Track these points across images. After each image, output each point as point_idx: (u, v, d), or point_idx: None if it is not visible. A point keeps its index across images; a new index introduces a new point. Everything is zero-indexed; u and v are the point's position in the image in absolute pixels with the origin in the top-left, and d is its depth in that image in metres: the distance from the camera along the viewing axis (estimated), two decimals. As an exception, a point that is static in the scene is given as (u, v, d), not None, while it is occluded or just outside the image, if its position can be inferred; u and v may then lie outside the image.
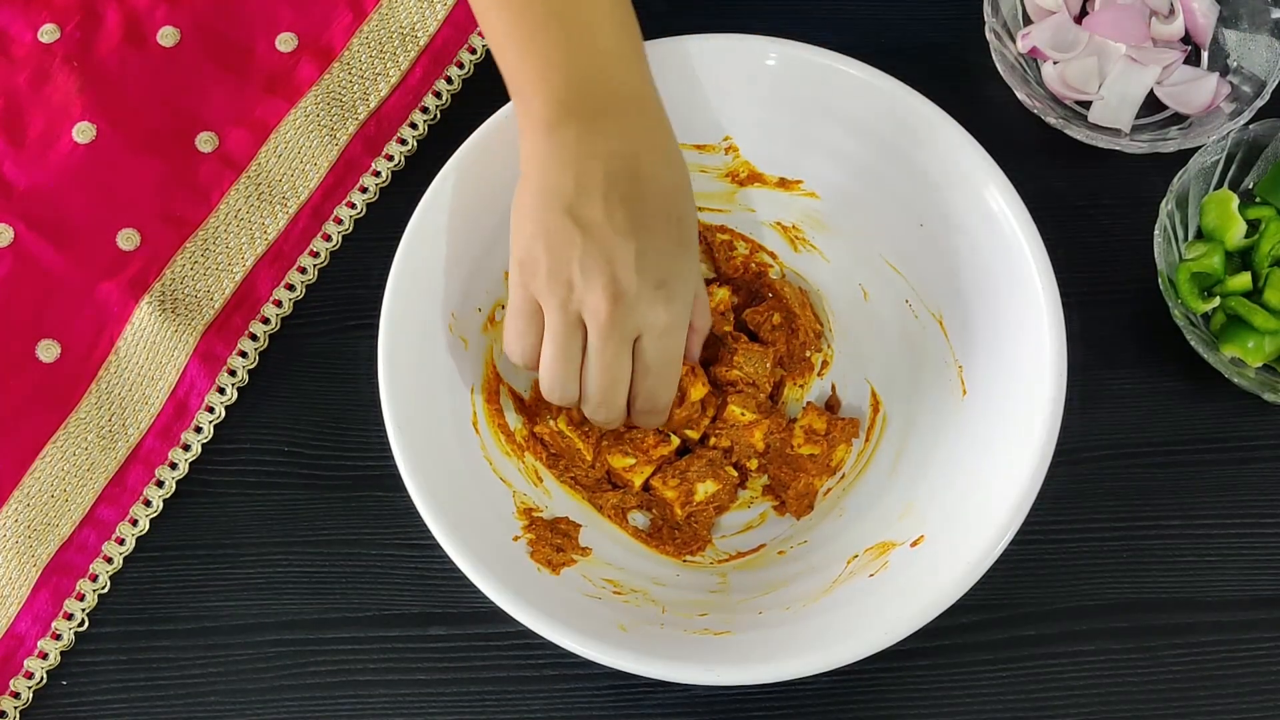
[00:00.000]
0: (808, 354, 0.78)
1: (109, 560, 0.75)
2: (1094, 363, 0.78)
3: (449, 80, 0.85)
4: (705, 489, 0.75)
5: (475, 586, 0.66)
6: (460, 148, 0.73)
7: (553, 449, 0.76)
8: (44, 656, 0.73)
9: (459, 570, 0.66)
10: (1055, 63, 0.83)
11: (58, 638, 0.74)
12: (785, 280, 0.79)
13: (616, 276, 0.63)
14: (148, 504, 0.76)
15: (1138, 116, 0.83)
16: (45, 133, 0.82)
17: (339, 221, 0.82)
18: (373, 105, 0.83)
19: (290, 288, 0.80)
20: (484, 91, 0.83)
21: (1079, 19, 0.85)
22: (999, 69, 0.82)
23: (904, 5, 0.87)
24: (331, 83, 0.84)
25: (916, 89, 0.73)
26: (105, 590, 0.75)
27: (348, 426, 0.78)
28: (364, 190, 0.82)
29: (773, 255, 0.80)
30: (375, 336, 0.69)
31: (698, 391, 0.75)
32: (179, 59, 0.84)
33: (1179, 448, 0.78)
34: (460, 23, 0.85)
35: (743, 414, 0.75)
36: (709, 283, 0.80)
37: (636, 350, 0.66)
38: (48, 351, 0.78)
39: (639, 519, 0.76)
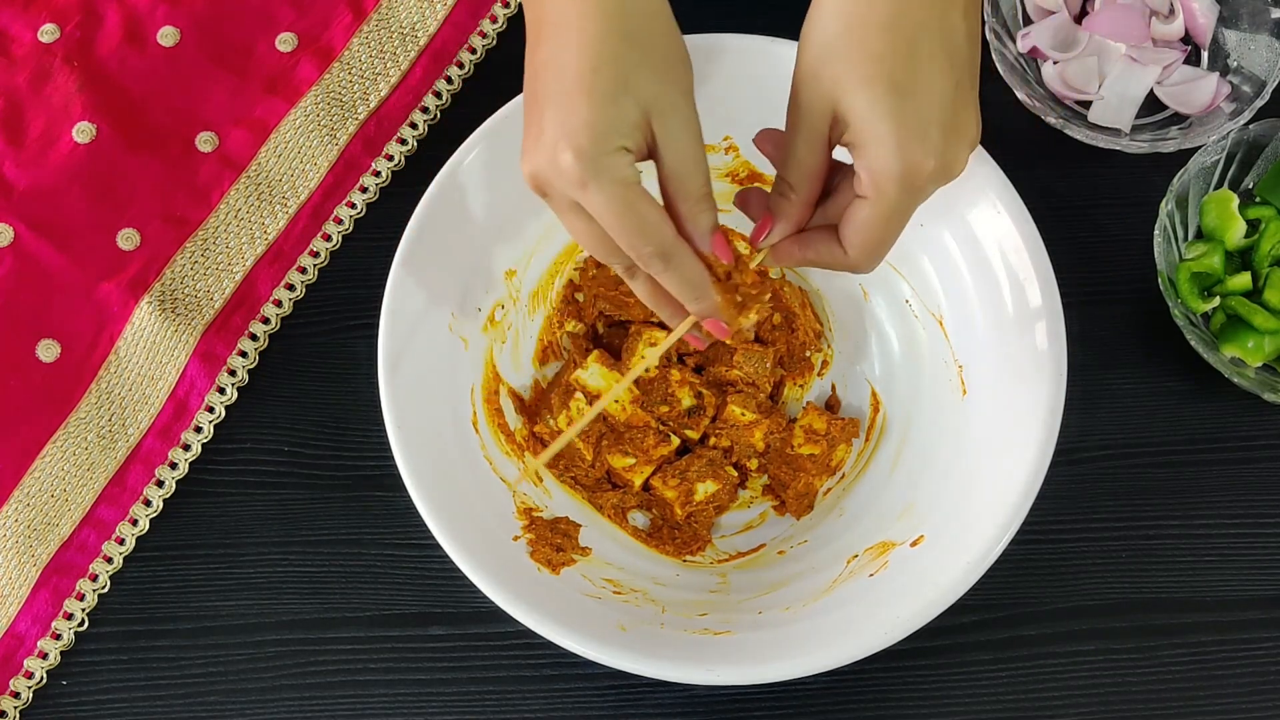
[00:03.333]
0: (808, 354, 0.78)
1: (109, 560, 0.75)
2: (1094, 363, 0.78)
3: (449, 80, 0.85)
4: (705, 489, 0.75)
5: (475, 586, 0.66)
6: (460, 147, 0.72)
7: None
8: (44, 656, 0.73)
9: (459, 570, 0.66)
10: (1055, 63, 0.83)
11: (58, 637, 0.74)
12: (785, 280, 0.79)
13: None
14: (148, 504, 0.76)
15: (1138, 116, 0.83)
16: (45, 133, 0.82)
17: (339, 221, 0.82)
18: (373, 105, 0.83)
19: (290, 288, 0.80)
20: (484, 91, 0.83)
21: (1079, 19, 0.85)
22: (999, 69, 0.82)
23: (904, 5, 0.87)
24: (331, 83, 0.84)
25: (916, 89, 0.73)
26: (105, 590, 0.75)
27: (348, 426, 0.78)
28: (364, 190, 0.82)
29: (773, 255, 0.80)
30: (375, 336, 0.69)
31: (687, 399, 0.75)
32: (179, 59, 0.84)
33: (1179, 448, 0.78)
34: (460, 23, 0.85)
35: (743, 414, 0.75)
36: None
37: None
38: (48, 351, 0.78)
39: (639, 519, 0.76)
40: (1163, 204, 0.77)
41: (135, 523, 0.76)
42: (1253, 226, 0.78)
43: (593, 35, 0.56)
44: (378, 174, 0.83)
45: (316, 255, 0.81)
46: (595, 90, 0.55)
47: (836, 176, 0.61)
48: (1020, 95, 0.82)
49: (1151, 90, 0.83)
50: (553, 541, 0.71)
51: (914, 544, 0.70)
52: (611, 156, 0.55)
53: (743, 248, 0.62)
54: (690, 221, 0.58)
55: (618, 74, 0.55)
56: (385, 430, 0.68)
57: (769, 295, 0.61)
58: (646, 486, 0.76)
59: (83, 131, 0.81)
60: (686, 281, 0.59)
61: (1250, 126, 0.78)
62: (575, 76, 0.56)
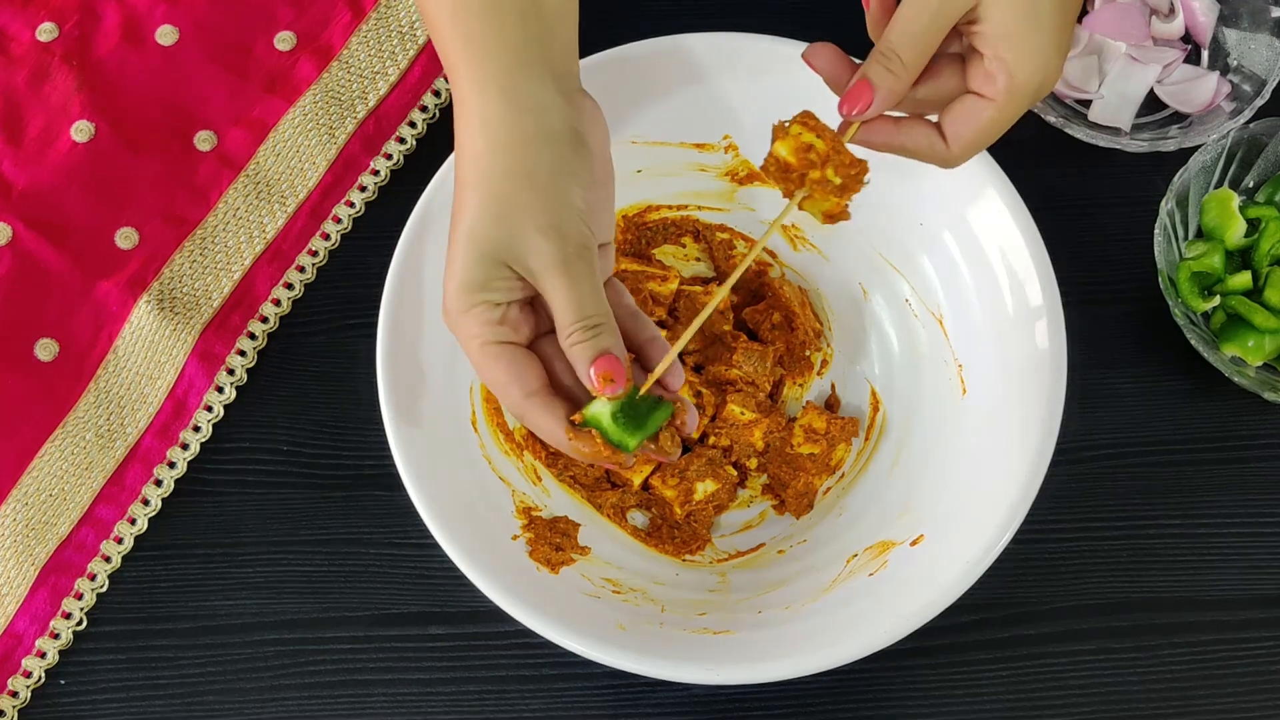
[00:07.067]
0: (807, 353, 0.78)
1: (107, 559, 0.75)
2: (1094, 363, 0.78)
3: (448, 79, 0.85)
4: (704, 488, 0.75)
5: (475, 586, 0.65)
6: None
7: (551, 448, 0.76)
8: (42, 655, 0.73)
9: (459, 570, 0.66)
10: (1055, 62, 0.83)
11: (56, 637, 0.74)
12: (785, 279, 0.79)
13: None
14: (146, 503, 0.76)
15: (1138, 115, 0.83)
16: (44, 132, 0.82)
17: (338, 220, 0.82)
18: (371, 104, 0.83)
19: (289, 287, 0.80)
20: (483, 90, 0.83)
21: (1079, 18, 0.84)
22: (999, 68, 0.82)
23: (904, 4, 0.87)
24: (330, 82, 0.84)
25: (916, 88, 0.73)
26: (104, 589, 0.75)
27: (347, 426, 0.77)
28: (363, 189, 0.82)
29: (772, 254, 0.80)
30: (374, 336, 0.69)
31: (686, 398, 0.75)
32: (178, 58, 0.84)
33: (1179, 448, 0.78)
34: (459, 21, 0.85)
35: (742, 413, 0.75)
36: (707, 282, 0.80)
37: None
38: (46, 350, 0.78)
39: (638, 518, 0.76)
40: (1163, 203, 0.77)
41: (134, 522, 0.76)
42: (1253, 226, 0.78)
43: (472, 209, 0.57)
44: (377, 173, 0.82)
45: (315, 254, 0.81)
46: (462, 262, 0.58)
47: (938, 63, 0.60)
48: (1020, 94, 0.82)
49: (1152, 89, 0.83)
50: (552, 541, 0.71)
51: (914, 543, 0.70)
52: (470, 312, 0.57)
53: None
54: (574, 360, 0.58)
55: (485, 252, 0.57)
56: (385, 430, 0.68)
57: (868, 174, 0.59)
58: (646, 486, 0.76)
59: (81, 130, 0.81)
60: (539, 430, 0.59)
61: (1250, 125, 0.78)
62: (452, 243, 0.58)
